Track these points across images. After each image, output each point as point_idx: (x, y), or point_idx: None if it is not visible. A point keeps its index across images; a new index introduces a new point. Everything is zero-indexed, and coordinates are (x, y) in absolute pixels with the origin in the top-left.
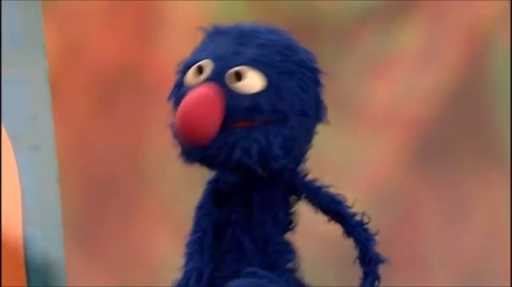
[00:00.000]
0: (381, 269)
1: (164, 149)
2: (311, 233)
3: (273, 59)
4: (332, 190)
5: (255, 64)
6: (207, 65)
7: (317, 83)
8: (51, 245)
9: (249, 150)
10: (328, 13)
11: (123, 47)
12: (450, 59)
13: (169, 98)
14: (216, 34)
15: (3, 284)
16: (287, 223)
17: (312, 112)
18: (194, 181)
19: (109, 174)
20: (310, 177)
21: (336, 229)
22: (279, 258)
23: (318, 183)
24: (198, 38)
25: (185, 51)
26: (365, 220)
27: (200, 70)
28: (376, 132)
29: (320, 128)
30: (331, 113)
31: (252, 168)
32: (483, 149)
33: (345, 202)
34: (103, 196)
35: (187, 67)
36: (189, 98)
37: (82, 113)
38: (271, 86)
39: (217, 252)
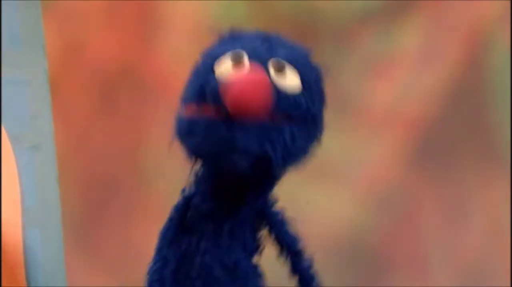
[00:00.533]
0: (381, 269)
1: (164, 149)
2: (311, 233)
3: (304, 62)
4: (293, 229)
5: (291, 61)
6: (244, 55)
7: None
8: (50, 245)
9: (276, 145)
10: (328, 13)
11: (123, 47)
12: (450, 59)
13: (189, 89)
14: (236, 35)
15: (2, 284)
16: (256, 248)
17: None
18: None
19: (109, 174)
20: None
21: (336, 229)
22: (248, 283)
23: (284, 217)
24: (198, 38)
25: (186, 51)
26: (315, 269)
27: (237, 59)
28: (376, 132)
29: None
30: (330, 113)
31: (274, 163)
32: (483, 149)
33: (304, 249)
34: (103, 196)
35: (214, 58)
36: (248, 72)
37: (82, 113)
38: (306, 87)
39: (186, 280)
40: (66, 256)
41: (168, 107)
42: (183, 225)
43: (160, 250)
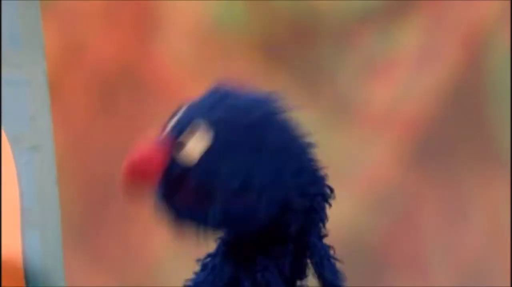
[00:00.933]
0: (381, 269)
1: None
2: None
3: (235, 123)
4: (337, 266)
5: (215, 123)
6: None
7: None
8: (49, 246)
9: None
10: (327, 13)
11: (122, 48)
12: (450, 59)
13: None
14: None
15: (2, 285)
16: (295, 275)
17: None
18: None
19: (108, 174)
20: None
21: (336, 229)
22: None
23: (329, 251)
24: (197, 38)
25: (185, 52)
26: None
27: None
28: (376, 132)
29: (319, 128)
30: (330, 114)
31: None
32: (482, 149)
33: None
34: (102, 197)
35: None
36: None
37: (82, 114)
38: (211, 155)
39: None
40: (65, 257)
41: (167, 107)
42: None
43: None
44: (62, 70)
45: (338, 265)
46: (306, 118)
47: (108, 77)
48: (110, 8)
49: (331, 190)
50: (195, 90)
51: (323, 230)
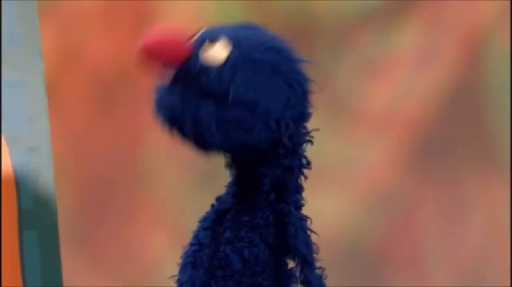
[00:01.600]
0: (381, 269)
1: (161, 151)
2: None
3: (254, 47)
4: (310, 238)
5: (235, 39)
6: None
7: None
8: (47, 247)
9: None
10: (326, 14)
11: (120, 48)
12: (449, 60)
13: None
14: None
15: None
16: (281, 246)
17: None
18: (191, 181)
19: (106, 176)
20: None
21: (335, 229)
22: (266, 280)
23: (304, 223)
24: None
25: None
26: (323, 276)
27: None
28: (375, 133)
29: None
30: (329, 114)
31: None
32: (481, 149)
33: (315, 260)
34: (100, 198)
35: None
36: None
37: (79, 115)
38: (231, 66)
39: (210, 268)
40: (63, 258)
41: None
42: (218, 215)
43: (197, 234)
44: (60, 71)
45: (313, 237)
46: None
47: (106, 78)
48: (108, 9)
49: (308, 162)
50: None
51: (300, 201)
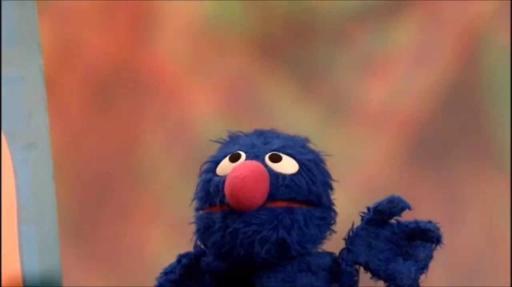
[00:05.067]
0: None
1: (159, 148)
2: None
3: (300, 148)
4: None
5: (287, 150)
6: (242, 154)
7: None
8: (46, 242)
9: (290, 229)
10: (323, 11)
11: (118, 45)
12: (446, 57)
13: (198, 192)
14: (234, 138)
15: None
16: None
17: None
18: (189, 178)
19: (104, 172)
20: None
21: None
22: None
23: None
24: (192, 37)
25: (180, 50)
26: None
27: (235, 158)
28: (371, 130)
29: (315, 126)
30: (326, 112)
31: (291, 247)
32: (479, 147)
33: None
34: (99, 194)
35: (216, 162)
36: (242, 166)
37: (78, 111)
38: (304, 170)
39: None
40: (62, 253)
41: (162, 105)
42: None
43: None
44: (58, 67)
45: None
46: (303, 115)
47: (104, 74)
48: (106, 6)
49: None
50: (191, 88)
51: None
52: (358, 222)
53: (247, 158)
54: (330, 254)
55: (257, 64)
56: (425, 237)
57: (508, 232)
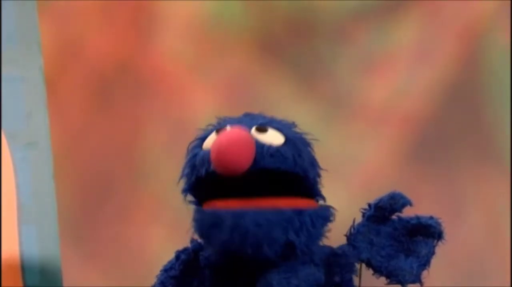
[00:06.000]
0: None
1: (160, 147)
2: None
3: (288, 126)
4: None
5: (273, 125)
6: (226, 126)
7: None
8: (46, 242)
9: (299, 231)
10: (324, 11)
11: (118, 45)
12: (446, 56)
13: (184, 169)
14: (222, 120)
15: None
16: None
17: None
18: None
19: (105, 171)
20: None
21: (331, 226)
22: None
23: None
24: (193, 36)
25: (181, 49)
26: None
27: (219, 129)
28: (372, 129)
29: (316, 124)
30: (328, 110)
31: (298, 247)
32: (480, 146)
33: None
34: (99, 194)
35: (202, 139)
36: (227, 132)
37: (78, 111)
38: (290, 143)
39: None
40: (62, 252)
41: (163, 105)
42: (191, 268)
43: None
44: (58, 67)
45: None
46: (303, 114)
47: (104, 74)
48: (107, 5)
49: None
50: (192, 87)
51: None
52: (359, 219)
53: (231, 127)
54: (331, 248)
55: (258, 63)
56: (427, 233)
57: (509, 231)
